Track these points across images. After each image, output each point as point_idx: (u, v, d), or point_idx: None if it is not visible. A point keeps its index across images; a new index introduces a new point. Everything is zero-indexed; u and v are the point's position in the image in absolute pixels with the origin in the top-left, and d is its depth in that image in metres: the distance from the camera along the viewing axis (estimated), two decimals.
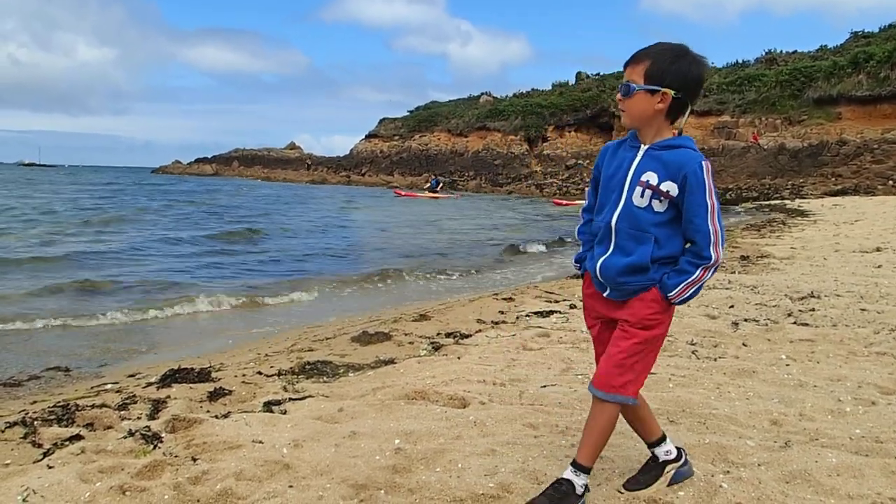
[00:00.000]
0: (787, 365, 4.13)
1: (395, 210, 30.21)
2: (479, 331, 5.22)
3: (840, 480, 2.51)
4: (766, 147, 38.64)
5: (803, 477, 2.54)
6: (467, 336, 5.03)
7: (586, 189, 2.79)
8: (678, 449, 2.57)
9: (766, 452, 2.77)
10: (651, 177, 2.22)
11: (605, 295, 2.38)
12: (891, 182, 30.06)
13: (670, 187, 2.19)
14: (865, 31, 47.61)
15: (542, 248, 14.87)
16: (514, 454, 2.80)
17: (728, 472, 2.61)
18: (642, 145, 2.27)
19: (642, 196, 2.23)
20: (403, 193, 41.29)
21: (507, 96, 62.81)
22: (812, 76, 39.97)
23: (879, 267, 8.15)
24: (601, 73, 58.31)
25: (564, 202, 34.04)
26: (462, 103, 65.67)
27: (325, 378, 4.05)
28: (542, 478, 2.58)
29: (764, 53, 50.43)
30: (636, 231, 2.25)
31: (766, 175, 36.45)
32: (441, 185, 43.44)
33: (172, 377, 4.05)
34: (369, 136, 69.00)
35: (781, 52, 50.05)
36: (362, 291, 9.02)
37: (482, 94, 65.77)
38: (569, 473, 2.36)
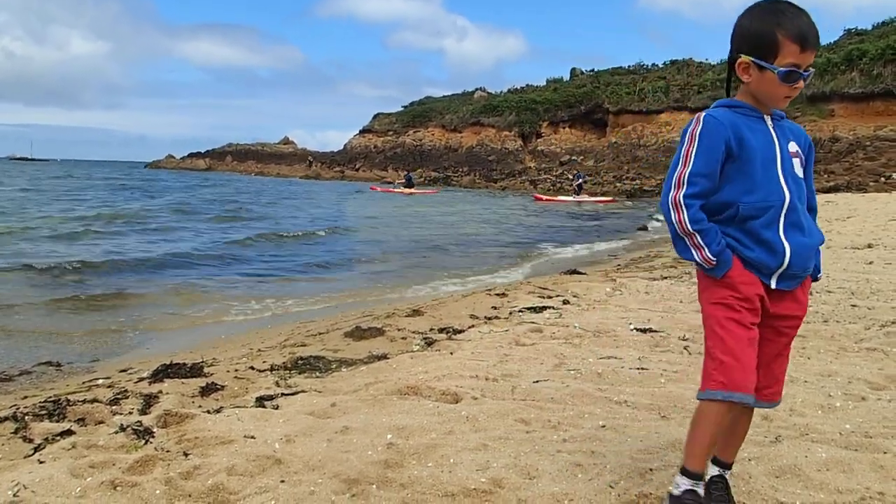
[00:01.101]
0: None
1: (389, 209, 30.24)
2: (472, 326, 5.23)
3: (830, 475, 2.53)
4: None
5: (793, 472, 2.56)
6: (460, 331, 5.04)
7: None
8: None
9: (757, 447, 2.79)
10: (794, 146, 2.15)
11: (774, 286, 2.10)
12: (882, 179, 30.22)
13: (801, 157, 2.17)
14: (859, 28, 47.73)
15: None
16: (505, 449, 2.81)
17: None
18: (765, 115, 2.12)
19: (798, 168, 2.14)
20: (380, 189, 41.94)
21: (501, 92, 62.80)
22: None
23: (871, 263, 8.19)
24: (595, 70, 58.36)
25: (545, 198, 34.00)
26: (456, 99, 65.61)
27: (317, 373, 4.06)
28: (533, 472, 2.59)
29: None
30: (804, 206, 2.14)
31: None
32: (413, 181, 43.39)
33: (164, 372, 4.04)
34: (363, 132, 68.93)
35: None
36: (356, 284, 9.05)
37: (476, 89, 65.74)
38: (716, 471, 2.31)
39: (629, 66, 55.89)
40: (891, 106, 35.62)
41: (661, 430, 3.01)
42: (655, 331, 4.86)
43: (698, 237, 2.06)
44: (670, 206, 2.08)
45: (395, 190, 40.58)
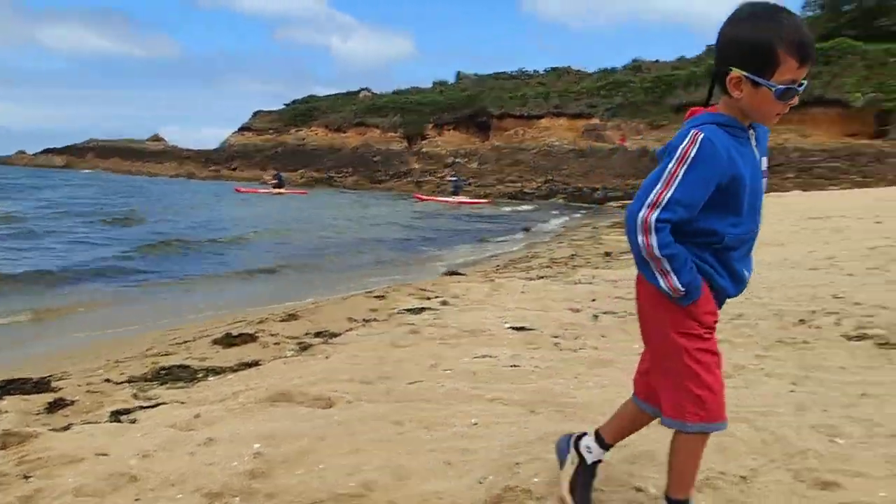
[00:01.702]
0: (640, 353, 4.34)
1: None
2: (350, 329, 5.19)
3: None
4: (631, 149, 40.70)
5: (648, 456, 2.70)
6: (337, 335, 4.99)
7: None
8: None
9: None
10: (764, 163, 2.06)
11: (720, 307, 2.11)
12: None
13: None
14: None
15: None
16: (378, 452, 2.80)
17: None
18: (749, 131, 1.98)
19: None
20: (244, 190, 39.26)
21: (387, 93, 62.73)
22: (672, 84, 42.44)
23: None
24: (479, 74, 59.46)
25: (425, 197, 34.11)
26: (341, 98, 64.86)
27: (181, 383, 3.90)
28: (404, 473, 2.60)
29: (631, 61, 53.00)
30: None
31: (631, 176, 38.35)
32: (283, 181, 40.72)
33: (3, 389, 3.75)
34: (242, 129, 66.84)
35: (647, 60, 52.77)
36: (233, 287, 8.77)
37: (361, 89, 65.30)
38: None
39: (512, 72, 57.38)
40: None
41: (530, 425, 3.09)
42: (529, 329, 5.00)
43: (666, 263, 1.90)
44: (638, 226, 1.89)
45: (263, 191, 38.21)
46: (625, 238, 8.26)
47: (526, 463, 2.67)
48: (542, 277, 7.75)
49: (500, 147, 46.52)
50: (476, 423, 3.11)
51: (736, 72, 1.85)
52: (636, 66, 51.24)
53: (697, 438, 2.09)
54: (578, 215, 25.31)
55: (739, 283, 2.09)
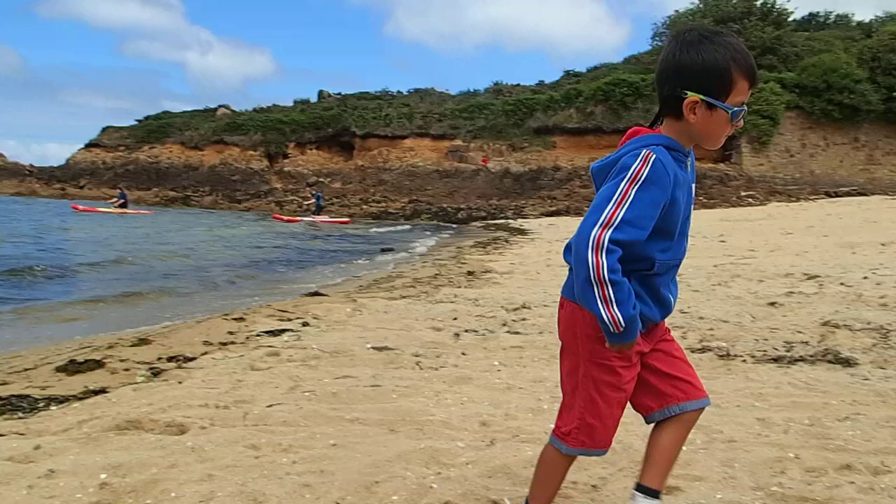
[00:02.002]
0: (499, 370, 4.49)
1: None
2: (206, 353, 5.00)
3: (533, 470, 2.78)
4: (493, 170, 41.96)
5: (503, 470, 2.78)
6: (192, 359, 4.79)
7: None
8: None
9: (474, 451, 3.00)
10: (693, 187, 2.07)
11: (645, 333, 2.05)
12: None
13: None
14: (576, 70, 53.91)
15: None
16: (232, 477, 2.72)
17: (439, 472, 2.77)
18: (686, 158, 2.00)
19: None
20: (82, 208, 35.56)
21: (246, 110, 61.05)
22: (532, 108, 44.19)
23: None
24: (343, 93, 59.23)
25: (286, 218, 33.17)
26: (198, 115, 62.33)
27: (20, 414, 3.61)
28: (260, 498, 2.54)
29: (492, 84, 54.69)
30: None
31: (494, 196, 39.55)
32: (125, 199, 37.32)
33: None
34: (90, 146, 62.75)
35: (507, 84, 54.64)
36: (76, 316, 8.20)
37: (220, 106, 63.18)
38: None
39: (376, 92, 57.61)
40: (601, 140, 40.50)
41: (390, 444, 3.11)
42: (391, 348, 5.03)
43: (610, 290, 1.82)
44: (591, 245, 1.81)
45: (103, 210, 35.03)
46: (486, 257, 8.58)
47: (385, 482, 2.68)
48: (404, 297, 7.82)
49: (364, 167, 46.53)
50: (335, 445, 3.09)
51: (693, 95, 1.87)
52: (497, 90, 52.94)
53: (568, 459, 2.17)
54: (443, 235, 25.67)
55: (665, 309, 2.07)
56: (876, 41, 39.31)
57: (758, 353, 4.80)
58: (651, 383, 2.11)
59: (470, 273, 10.22)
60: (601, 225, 1.82)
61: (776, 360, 4.61)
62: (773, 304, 6.77)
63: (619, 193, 1.84)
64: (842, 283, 7.83)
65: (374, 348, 5.03)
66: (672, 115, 1.94)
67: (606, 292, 1.83)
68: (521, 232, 22.90)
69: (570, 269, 2.00)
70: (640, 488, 2.15)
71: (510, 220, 30.61)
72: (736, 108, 1.89)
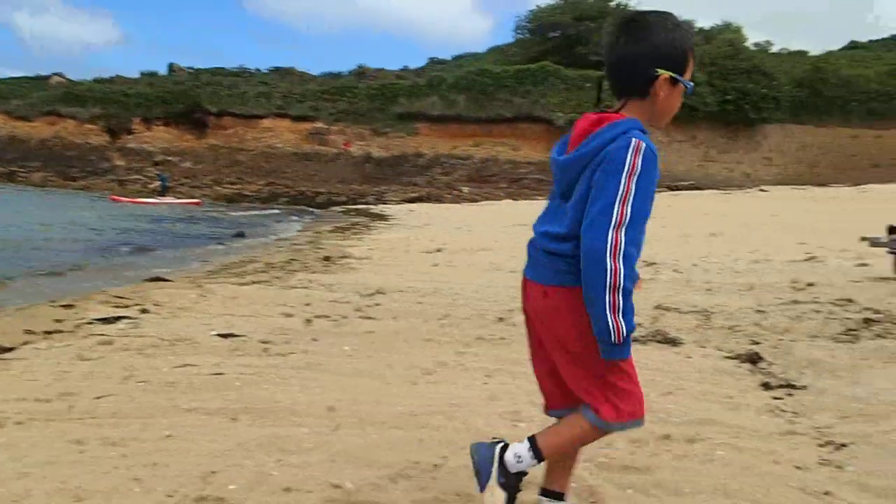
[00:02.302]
0: (350, 356, 4.45)
1: None
2: (27, 343, 4.60)
3: (378, 453, 2.78)
4: (355, 155, 41.60)
5: (347, 454, 2.76)
6: (9, 349, 4.38)
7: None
8: None
9: (318, 437, 2.95)
10: None
11: None
12: (455, 192, 34.74)
13: None
14: (440, 58, 54.47)
15: None
16: (52, 474, 2.52)
17: (280, 459, 2.70)
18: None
19: None
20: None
21: (85, 80, 56.64)
22: (396, 93, 44.14)
23: (436, 265, 9.31)
24: (196, 68, 56.48)
25: (125, 199, 30.80)
26: (27, 83, 56.99)
27: None
28: (83, 495, 2.37)
29: (357, 67, 54.14)
30: None
31: (355, 181, 39.23)
32: None
33: None
34: None
35: (372, 67, 54.29)
36: None
37: (53, 74, 58.13)
38: None
39: (233, 69, 55.39)
40: (463, 128, 41.17)
41: (229, 433, 2.99)
42: (237, 335, 4.85)
43: (621, 298, 1.80)
44: (609, 248, 1.78)
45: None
46: (344, 242, 8.49)
47: (222, 471, 2.58)
48: (256, 283, 7.58)
49: (217, 146, 44.53)
50: (170, 436, 2.94)
51: (665, 73, 1.92)
52: (361, 73, 52.49)
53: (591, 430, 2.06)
54: (301, 220, 25.17)
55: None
56: (714, 47, 42.42)
57: None
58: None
59: (326, 258, 10.07)
60: (615, 226, 1.80)
61: None
62: None
63: (623, 190, 1.81)
64: (675, 270, 8.41)
65: (218, 335, 4.83)
66: (637, 97, 1.97)
67: (617, 300, 1.80)
68: (382, 218, 22.89)
69: (550, 254, 1.98)
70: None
71: (371, 206, 30.51)
72: (691, 84, 1.99)
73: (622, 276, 1.79)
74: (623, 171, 1.82)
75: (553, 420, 2.20)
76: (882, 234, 7.48)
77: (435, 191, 35.26)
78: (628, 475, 2.62)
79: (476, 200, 31.75)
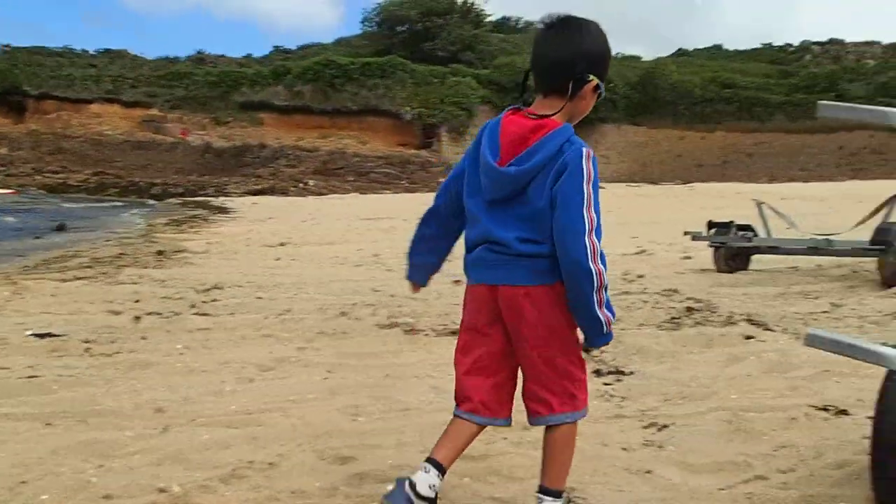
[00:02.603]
0: (182, 354, 4.26)
1: None
2: None
3: (209, 454, 2.68)
4: (194, 144, 39.73)
5: (175, 456, 2.63)
6: None
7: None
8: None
9: (145, 440, 2.80)
10: None
11: None
12: (301, 185, 34.09)
13: None
14: (286, 47, 53.19)
15: None
16: None
17: (101, 465, 2.55)
18: None
19: None
20: None
21: None
22: (239, 81, 42.65)
23: (278, 259, 9.12)
24: (13, 45, 51.58)
25: None
26: None
27: None
28: None
29: (196, 53, 51.72)
30: None
31: (194, 172, 37.50)
32: None
33: None
34: None
35: (211, 53, 52.10)
36: None
37: None
38: None
39: (56, 48, 51.08)
40: (309, 120, 40.58)
41: (44, 439, 2.78)
42: (56, 335, 4.50)
43: (606, 294, 1.99)
44: (589, 254, 1.92)
45: None
46: (181, 236, 8.14)
47: (34, 481, 2.39)
48: (79, 279, 7.06)
49: (38, 132, 40.96)
50: None
51: (595, 79, 2.00)
52: (200, 58, 50.25)
53: (575, 427, 2.16)
54: (133, 212, 23.70)
55: None
56: None
57: (439, 326, 5.14)
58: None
59: (160, 253, 9.57)
60: (587, 232, 1.92)
61: (454, 332, 4.97)
62: (457, 282, 7.30)
63: (586, 196, 1.93)
64: None
65: (34, 335, 4.46)
66: (564, 96, 2.01)
67: (603, 296, 1.97)
68: (223, 210, 22.06)
69: (528, 257, 2.01)
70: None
71: (211, 198, 29.27)
72: (604, 92, 2.09)
73: (604, 275, 1.96)
74: (583, 179, 1.93)
75: (460, 421, 2.26)
76: (703, 230, 8.09)
77: (280, 183, 34.42)
78: (464, 463, 2.66)
79: (323, 194, 31.36)
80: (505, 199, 2.03)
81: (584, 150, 1.96)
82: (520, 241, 2.01)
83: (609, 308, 2.01)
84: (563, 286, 2.00)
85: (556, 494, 2.17)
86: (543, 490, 2.18)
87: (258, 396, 3.44)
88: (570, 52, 2.01)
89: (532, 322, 2.05)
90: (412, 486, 2.11)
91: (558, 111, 2.01)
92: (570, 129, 2.01)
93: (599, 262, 1.94)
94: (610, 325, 2.02)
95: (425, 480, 2.12)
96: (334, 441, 2.86)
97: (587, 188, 1.94)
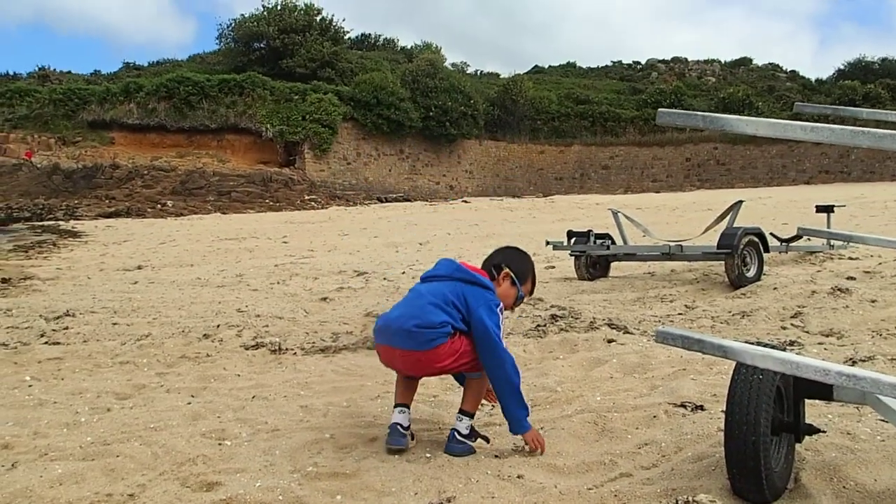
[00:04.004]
0: (31, 386, 3.99)
1: None
2: None
3: (62, 489, 2.53)
4: (39, 166, 37.02)
5: (24, 494, 2.47)
6: None
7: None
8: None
9: None
10: None
11: None
12: (159, 206, 32.53)
13: None
14: (137, 63, 50.69)
15: None
16: None
17: None
18: None
19: None
20: None
21: None
22: (86, 99, 40.19)
23: (136, 283, 8.68)
24: None
25: None
26: None
27: None
28: None
29: (37, 69, 48.28)
30: None
31: (41, 195, 34.92)
32: None
33: None
34: None
35: (56, 70, 48.82)
36: None
37: None
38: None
39: None
40: (165, 139, 38.83)
41: None
42: None
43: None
44: (510, 362, 2.89)
45: None
46: (27, 262, 7.69)
47: None
48: None
49: None
50: None
51: (508, 270, 3.11)
52: (43, 75, 46.95)
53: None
54: None
55: None
56: (415, 66, 45.04)
57: (307, 345, 5.08)
58: None
59: (5, 280, 8.86)
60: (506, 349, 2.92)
61: (323, 350, 4.95)
62: (325, 299, 7.26)
63: (500, 325, 2.93)
64: (385, 278, 8.77)
65: None
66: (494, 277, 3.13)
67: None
68: (74, 234, 20.66)
69: (405, 331, 2.86)
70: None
71: (61, 222, 27.35)
72: (522, 294, 3.17)
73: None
74: (497, 315, 2.99)
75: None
76: (563, 239, 8.42)
77: (136, 205, 32.66)
78: (336, 481, 2.65)
79: (183, 214, 30.04)
80: None
81: (497, 302, 2.96)
82: (413, 327, 2.91)
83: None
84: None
85: (470, 415, 2.94)
86: (462, 412, 2.95)
87: (116, 426, 3.27)
88: (502, 256, 3.24)
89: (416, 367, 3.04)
90: (400, 425, 2.94)
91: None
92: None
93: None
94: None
95: (403, 418, 2.97)
96: (199, 467, 2.77)
97: (500, 321, 2.94)
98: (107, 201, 33.69)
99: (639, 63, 64.94)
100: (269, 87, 40.12)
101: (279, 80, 41.12)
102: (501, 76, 57.84)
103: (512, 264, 3.13)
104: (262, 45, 45.18)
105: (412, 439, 3.00)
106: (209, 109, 39.08)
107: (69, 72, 49.23)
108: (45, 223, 27.29)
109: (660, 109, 1.90)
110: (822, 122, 1.98)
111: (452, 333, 2.86)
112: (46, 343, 5.12)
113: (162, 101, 39.27)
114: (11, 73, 48.11)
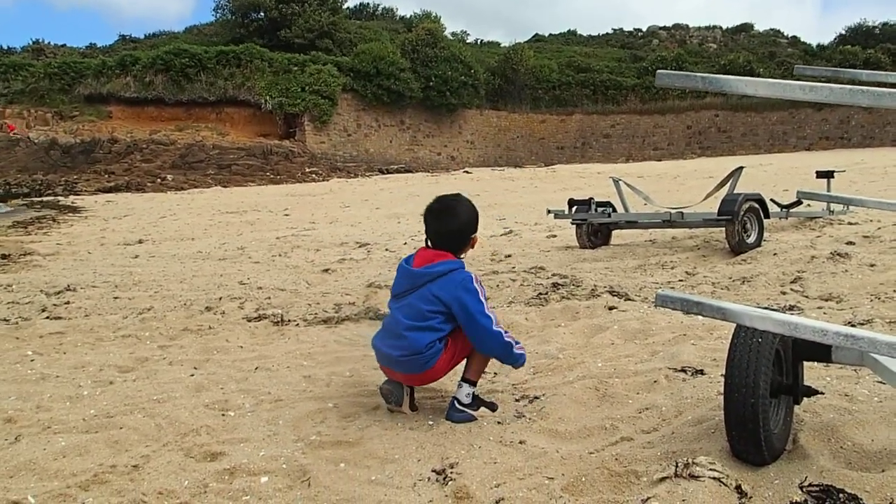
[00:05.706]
0: (33, 360, 4.00)
1: None
2: None
3: (66, 461, 2.55)
4: (37, 141, 36.85)
5: (28, 467, 2.49)
6: None
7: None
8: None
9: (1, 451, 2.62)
10: None
11: None
12: (159, 180, 32.46)
13: None
14: (133, 35, 50.22)
15: None
16: None
17: None
18: None
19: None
20: None
21: None
22: (82, 73, 39.85)
23: (137, 257, 8.68)
24: None
25: None
26: None
27: None
28: None
29: (32, 42, 47.90)
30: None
31: (39, 170, 34.83)
32: None
33: None
34: None
35: (50, 43, 48.43)
36: None
37: None
38: None
39: None
40: (163, 112, 38.56)
41: None
42: None
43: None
44: (496, 334, 2.88)
45: None
46: (27, 238, 7.71)
47: None
48: None
49: None
50: None
51: (475, 236, 3.09)
52: (38, 49, 46.58)
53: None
54: None
55: None
56: (415, 35, 44.54)
57: (310, 316, 5.09)
58: None
59: (5, 256, 8.88)
60: (494, 322, 2.91)
61: (325, 321, 4.96)
62: (327, 270, 7.27)
63: (482, 298, 2.91)
64: (387, 249, 8.77)
65: None
66: (460, 248, 3.09)
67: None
68: (74, 210, 20.66)
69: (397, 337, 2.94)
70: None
71: (60, 197, 27.32)
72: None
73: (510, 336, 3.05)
74: (477, 290, 2.95)
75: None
76: (564, 208, 8.39)
77: (136, 179, 32.58)
78: (340, 450, 2.66)
79: (183, 188, 29.98)
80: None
81: (470, 272, 2.94)
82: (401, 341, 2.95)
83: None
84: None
85: (472, 383, 2.97)
86: (465, 380, 2.97)
87: (119, 398, 3.29)
88: (458, 226, 3.03)
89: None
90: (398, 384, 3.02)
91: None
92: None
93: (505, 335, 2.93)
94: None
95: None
96: (202, 438, 2.79)
97: (480, 294, 2.90)
98: (106, 176, 33.59)
99: (640, 30, 64.34)
100: (268, 59, 39.73)
101: (277, 52, 40.71)
102: (502, 45, 57.26)
103: (469, 226, 3.05)
104: (259, 16, 44.69)
105: (414, 409, 3.04)
106: (207, 82, 38.76)
107: (64, 45, 48.85)
108: (44, 199, 27.27)
109: (659, 71, 1.85)
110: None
111: (443, 341, 2.90)
112: (48, 318, 5.13)
113: (159, 73, 38.93)
114: (5, 47, 47.78)
